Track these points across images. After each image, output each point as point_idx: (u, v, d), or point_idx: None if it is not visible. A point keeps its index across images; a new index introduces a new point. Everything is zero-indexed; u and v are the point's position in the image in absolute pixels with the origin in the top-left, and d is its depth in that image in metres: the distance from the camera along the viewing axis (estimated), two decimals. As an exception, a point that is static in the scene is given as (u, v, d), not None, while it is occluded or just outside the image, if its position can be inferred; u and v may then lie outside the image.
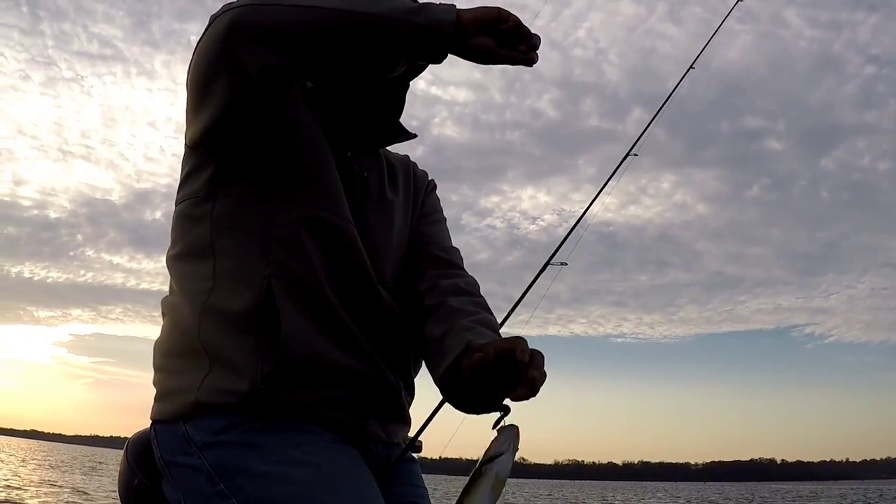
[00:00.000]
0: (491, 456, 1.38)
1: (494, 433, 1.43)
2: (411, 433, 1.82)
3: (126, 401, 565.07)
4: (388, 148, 1.88)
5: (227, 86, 1.47)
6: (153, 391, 1.64)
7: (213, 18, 1.48)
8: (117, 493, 1.73)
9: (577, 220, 2.50)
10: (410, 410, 1.80)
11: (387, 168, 1.84)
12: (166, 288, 1.71)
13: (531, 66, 1.46)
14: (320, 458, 1.49)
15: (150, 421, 1.63)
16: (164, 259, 1.70)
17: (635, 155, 2.74)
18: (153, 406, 1.62)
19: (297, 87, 1.68)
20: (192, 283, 1.60)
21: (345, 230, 1.62)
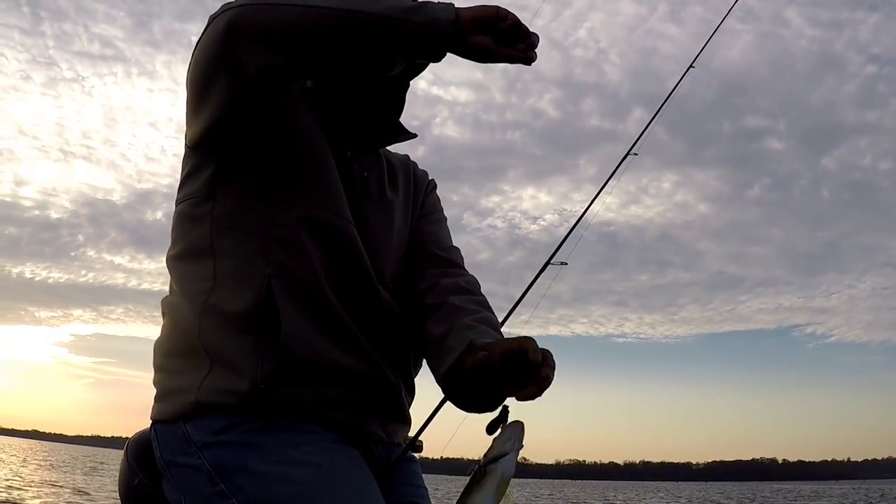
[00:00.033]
0: (495, 455, 1.37)
1: (496, 433, 1.43)
2: (411, 433, 1.82)
3: (127, 401, 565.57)
4: (388, 148, 1.87)
5: (227, 86, 1.47)
6: (154, 391, 1.64)
7: (212, 18, 1.48)
8: (118, 494, 1.73)
9: (577, 220, 2.50)
10: (410, 410, 1.80)
11: (387, 168, 1.84)
12: (167, 288, 1.71)
13: (529, 64, 1.46)
14: (320, 458, 1.49)
15: (151, 421, 1.63)
16: (164, 259, 1.70)
17: (635, 154, 2.73)
18: (153, 406, 1.62)
19: (297, 87, 1.68)
20: (192, 283, 1.60)
21: (345, 230, 1.62)
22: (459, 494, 1.38)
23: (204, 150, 1.61)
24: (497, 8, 1.42)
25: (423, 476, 1.85)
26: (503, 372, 1.42)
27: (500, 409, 1.46)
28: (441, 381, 1.58)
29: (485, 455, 1.40)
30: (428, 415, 1.90)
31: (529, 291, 2.34)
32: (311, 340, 1.55)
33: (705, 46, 3.11)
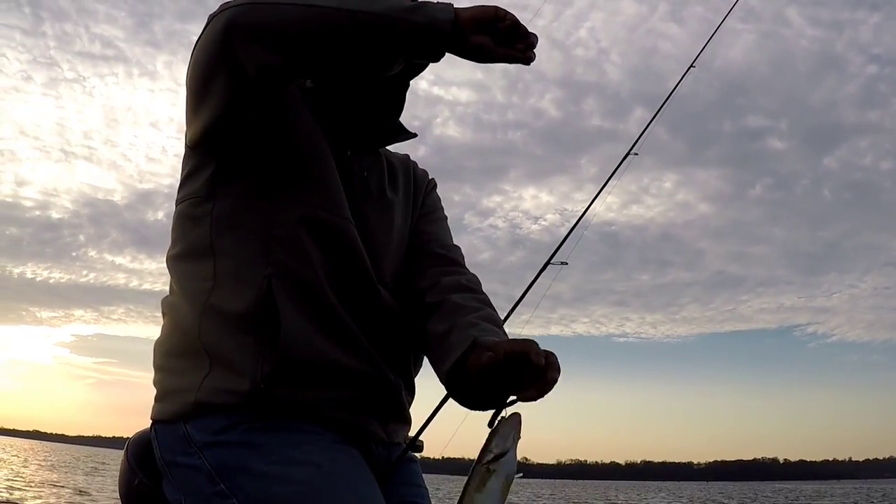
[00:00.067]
0: (497, 453, 1.37)
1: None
2: (412, 433, 1.82)
3: (129, 401, 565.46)
4: (388, 147, 1.88)
5: (226, 85, 1.47)
6: (154, 391, 1.64)
7: (212, 18, 1.48)
8: (118, 494, 1.73)
9: (577, 220, 2.50)
10: (411, 410, 1.80)
11: (387, 168, 1.84)
12: (168, 288, 1.71)
13: (528, 64, 1.47)
14: (321, 458, 1.49)
15: (151, 421, 1.63)
16: (164, 260, 1.70)
17: (636, 154, 2.74)
18: (153, 406, 1.62)
19: (297, 87, 1.68)
20: (192, 283, 1.60)
21: (345, 230, 1.62)
22: (462, 493, 1.38)
23: (204, 149, 1.61)
24: (496, 8, 1.43)
25: (425, 476, 1.85)
26: (506, 373, 1.43)
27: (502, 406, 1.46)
28: (444, 378, 1.58)
29: (483, 449, 1.40)
30: (428, 415, 1.90)
31: (530, 291, 2.34)
32: (312, 340, 1.55)
33: (706, 46, 3.12)
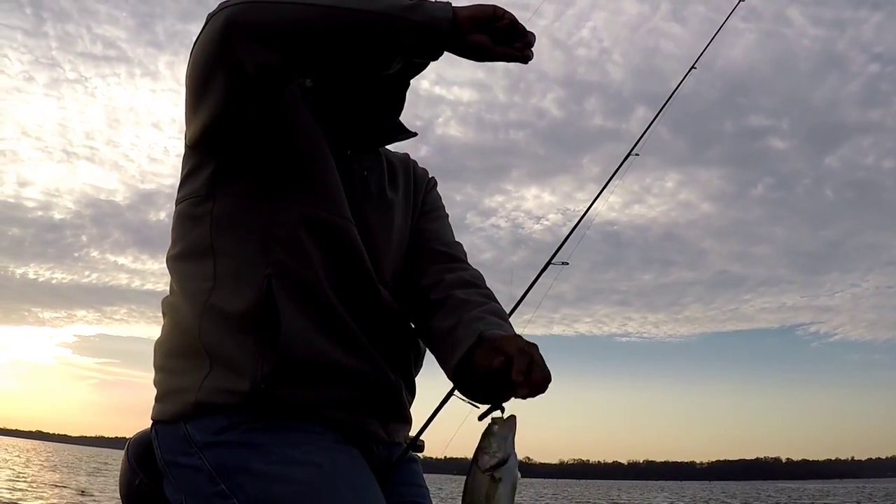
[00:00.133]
0: (501, 459, 1.37)
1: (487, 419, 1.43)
2: (412, 433, 1.82)
3: (131, 401, 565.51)
4: (387, 147, 1.88)
5: (225, 84, 1.47)
6: (155, 391, 1.64)
7: (210, 16, 1.48)
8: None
9: (578, 220, 2.50)
10: (411, 410, 1.80)
11: (387, 167, 1.84)
12: (168, 289, 1.71)
13: (526, 63, 1.48)
14: (321, 458, 1.49)
15: (151, 421, 1.63)
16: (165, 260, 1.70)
17: (636, 155, 2.74)
18: (154, 406, 1.62)
19: (296, 86, 1.68)
20: (192, 283, 1.60)
21: (345, 230, 1.62)
22: (468, 497, 1.38)
23: (203, 149, 1.61)
24: (494, 7, 1.44)
25: (426, 476, 1.85)
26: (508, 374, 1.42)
27: (499, 404, 1.46)
28: (451, 373, 1.58)
29: (480, 450, 1.39)
30: (429, 414, 1.90)
31: (532, 291, 2.34)
32: (312, 340, 1.55)
33: (707, 48, 3.12)
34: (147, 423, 1.65)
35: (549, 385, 1.43)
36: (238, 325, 1.53)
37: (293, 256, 1.56)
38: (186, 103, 1.58)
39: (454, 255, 1.84)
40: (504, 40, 1.45)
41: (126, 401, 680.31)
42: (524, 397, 1.41)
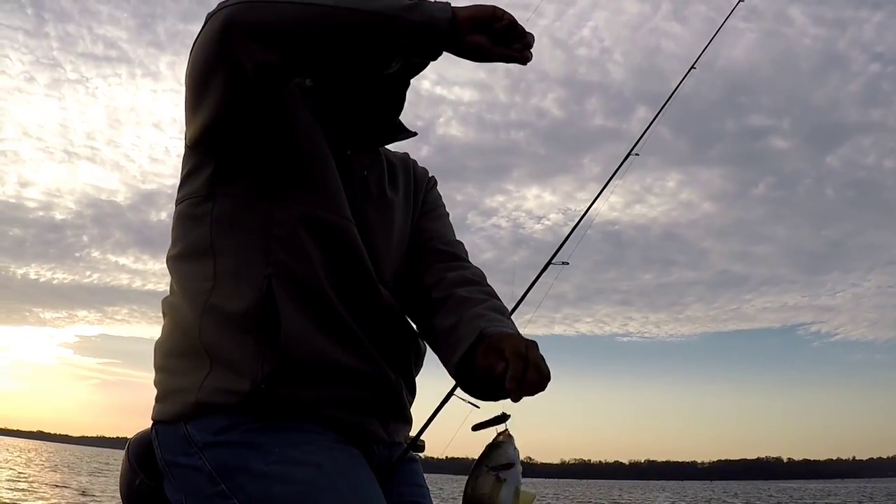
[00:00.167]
0: (507, 463, 1.38)
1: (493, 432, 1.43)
2: (413, 432, 1.82)
3: (132, 402, 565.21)
4: (387, 146, 1.88)
5: (224, 83, 1.47)
6: (155, 392, 1.64)
7: (210, 16, 1.48)
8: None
9: (578, 220, 2.50)
10: (412, 410, 1.80)
11: (387, 167, 1.84)
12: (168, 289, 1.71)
13: (525, 64, 1.48)
14: (321, 458, 1.49)
15: (152, 421, 1.63)
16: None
17: (637, 155, 2.74)
18: (154, 406, 1.62)
19: (296, 86, 1.68)
20: (192, 283, 1.60)
21: (345, 229, 1.62)
22: (472, 496, 1.38)
23: (203, 148, 1.61)
24: (493, 7, 1.44)
25: (427, 475, 1.85)
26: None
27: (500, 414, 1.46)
28: (453, 371, 1.59)
29: (486, 454, 1.40)
30: (429, 414, 1.90)
31: (532, 290, 2.34)
32: (312, 340, 1.55)
33: (707, 48, 3.12)
34: (148, 424, 1.66)
35: (549, 384, 1.43)
36: (238, 325, 1.53)
37: (293, 256, 1.56)
38: (186, 103, 1.58)
39: (455, 254, 1.84)
40: (503, 41, 1.45)
41: (127, 401, 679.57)
42: (517, 401, 1.41)
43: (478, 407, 1.56)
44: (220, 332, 1.54)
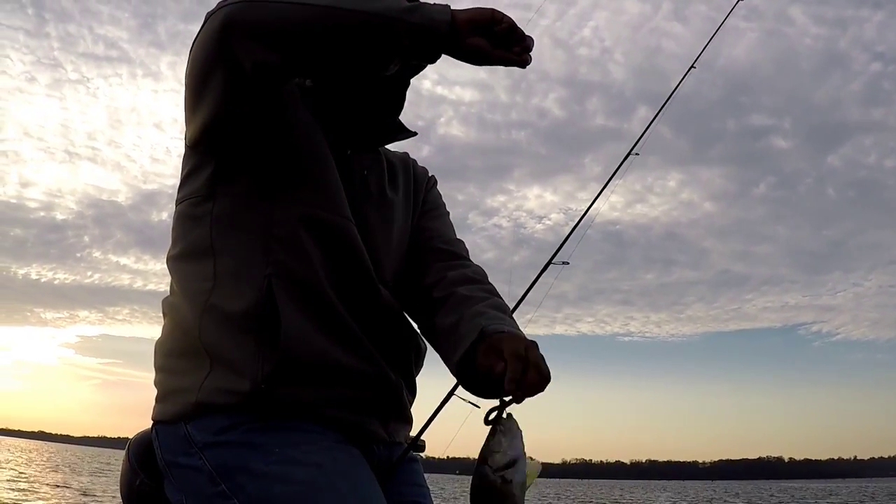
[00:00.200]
0: (512, 459, 1.37)
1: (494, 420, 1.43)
2: (413, 432, 1.82)
3: (134, 402, 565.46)
4: (387, 146, 1.87)
5: (223, 82, 1.47)
6: (155, 392, 1.64)
7: (209, 15, 1.48)
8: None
9: (578, 220, 2.50)
10: (412, 409, 1.80)
11: (387, 166, 1.83)
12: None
13: (524, 67, 1.48)
14: (321, 458, 1.49)
15: (152, 421, 1.63)
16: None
17: (637, 154, 2.74)
18: (154, 406, 1.62)
19: (296, 86, 1.68)
20: (192, 283, 1.59)
21: (345, 229, 1.62)
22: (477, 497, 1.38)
23: (203, 148, 1.61)
24: (493, 10, 1.43)
25: (428, 475, 1.85)
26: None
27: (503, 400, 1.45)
28: (455, 369, 1.59)
29: (489, 449, 1.39)
30: (430, 414, 1.90)
31: (533, 290, 2.34)
32: (312, 340, 1.54)
33: (706, 47, 3.12)
34: (149, 424, 1.66)
35: (549, 384, 1.43)
36: (238, 325, 1.53)
37: (293, 256, 1.56)
38: (186, 102, 1.58)
39: (456, 253, 1.84)
40: (502, 44, 1.44)
41: (128, 401, 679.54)
42: (518, 402, 1.41)
43: (478, 406, 1.56)
44: (220, 332, 1.54)
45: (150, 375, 1.65)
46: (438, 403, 1.93)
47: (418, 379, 1.81)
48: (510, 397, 1.43)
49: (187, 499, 1.51)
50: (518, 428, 1.41)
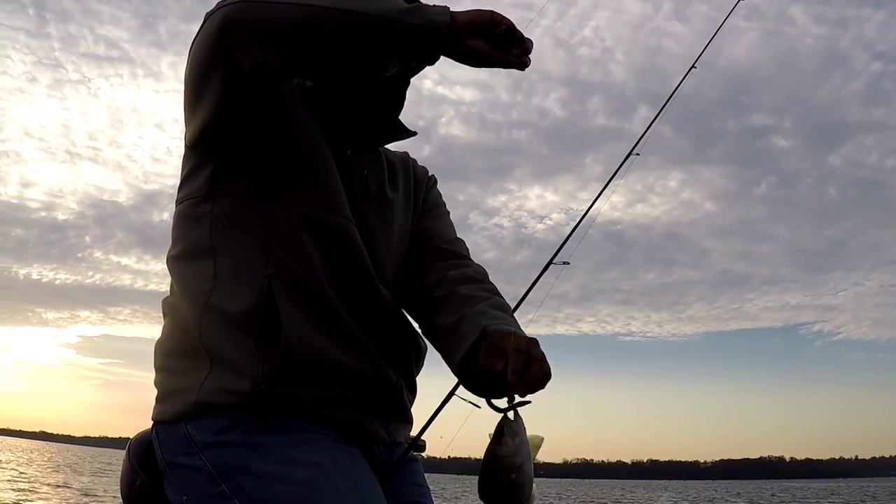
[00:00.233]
0: (520, 461, 1.38)
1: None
2: (414, 432, 1.82)
3: (135, 402, 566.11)
4: (387, 146, 1.87)
5: (222, 81, 1.46)
6: (155, 392, 1.64)
7: (208, 15, 1.48)
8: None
9: (578, 220, 2.50)
10: (413, 409, 1.80)
11: (387, 166, 1.83)
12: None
13: (523, 69, 1.47)
14: (322, 458, 1.49)
15: (152, 421, 1.63)
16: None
17: (637, 154, 2.73)
18: (154, 406, 1.62)
19: (296, 87, 1.68)
20: (192, 283, 1.59)
21: (345, 229, 1.62)
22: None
23: (203, 148, 1.61)
24: (492, 12, 1.43)
25: (429, 475, 1.84)
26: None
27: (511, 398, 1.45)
28: (456, 369, 1.58)
29: (498, 443, 1.39)
30: (430, 414, 1.90)
31: (534, 290, 2.34)
32: (312, 340, 1.54)
33: (708, 47, 3.11)
34: (150, 424, 1.66)
35: (549, 382, 1.43)
36: (238, 326, 1.53)
37: (293, 256, 1.56)
38: (185, 102, 1.58)
39: (456, 252, 1.84)
40: (502, 46, 1.44)
41: (130, 401, 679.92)
42: (523, 396, 1.41)
43: (478, 406, 1.55)
44: (220, 332, 1.54)
45: (152, 375, 1.65)
46: (439, 403, 1.93)
47: (418, 379, 1.81)
48: (518, 397, 1.43)
49: (187, 499, 1.51)
50: (524, 427, 1.42)
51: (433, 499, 1.81)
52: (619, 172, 2.64)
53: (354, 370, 1.60)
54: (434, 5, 1.44)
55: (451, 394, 1.90)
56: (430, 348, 1.77)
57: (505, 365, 1.39)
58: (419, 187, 1.91)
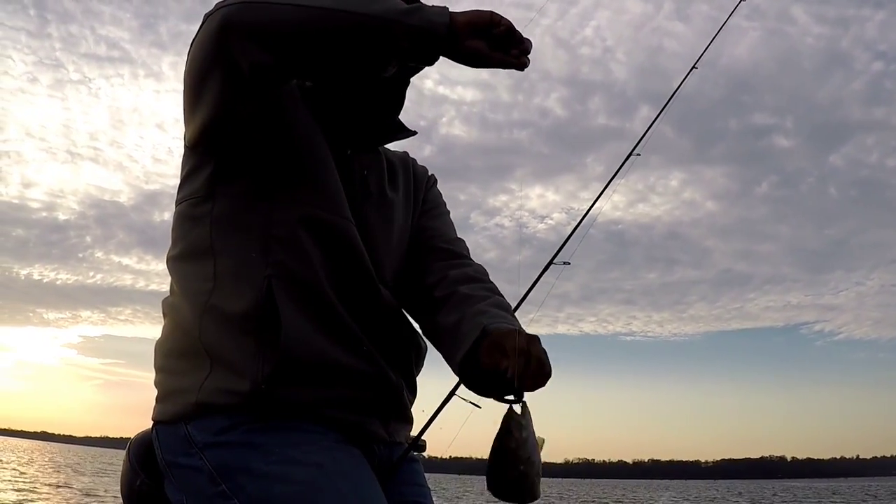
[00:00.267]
0: (525, 458, 1.38)
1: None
2: (414, 432, 1.82)
3: (136, 402, 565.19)
4: (387, 146, 1.87)
5: (221, 82, 1.46)
6: (156, 392, 1.64)
7: (207, 16, 1.48)
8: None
9: (579, 220, 2.50)
10: (413, 409, 1.80)
11: (386, 166, 1.83)
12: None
13: (522, 70, 1.47)
14: (322, 458, 1.49)
15: (152, 422, 1.63)
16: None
17: (638, 155, 2.73)
18: (155, 407, 1.62)
19: (296, 87, 1.68)
20: (192, 283, 1.60)
21: (345, 229, 1.62)
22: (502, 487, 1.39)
23: (202, 149, 1.61)
24: (491, 13, 1.43)
25: (429, 475, 1.84)
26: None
27: (516, 394, 1.45)
28: (457, 368, 1.58)
29: (508, 436, 1.39)
30: (430, 414, 1.90)
31: (535, 290, 2.34)
32: (312, 340, 1.54)
33: (709, 47, 3.11)
34: (150, 424, 1.65)
35: (550, 381, 1.43)
36: (238, 326, 1.53)
37: (293, 256, 1.56)
38: (185, 103, 1.58)
39: (457, 252, 1.84)
40: (501, 47, 1.44)
41: (131, 401, 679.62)
42: (528, 390, 1.41)
43: (479, 406, 1.55)
44: (220, 332, 1.54)
45: (152, 376, 1.65)
46: (439, 403, 1.93)
47: (419, 379, 1.81)
48: (523, 395, 1.43)
49: (188, 499, 1.51)
50: (531, 420, 1.42)
51: (433, 499, 1.81)
52: (620, 172, 2.64)
53: (354, 370, 1.60)
54: (433, 6, 1.43)
55: (452, 394, 1.90)
56: (430, 348, 1.77)
57: (506, 364, 1.39)
58: (419, 187, 1.91)
